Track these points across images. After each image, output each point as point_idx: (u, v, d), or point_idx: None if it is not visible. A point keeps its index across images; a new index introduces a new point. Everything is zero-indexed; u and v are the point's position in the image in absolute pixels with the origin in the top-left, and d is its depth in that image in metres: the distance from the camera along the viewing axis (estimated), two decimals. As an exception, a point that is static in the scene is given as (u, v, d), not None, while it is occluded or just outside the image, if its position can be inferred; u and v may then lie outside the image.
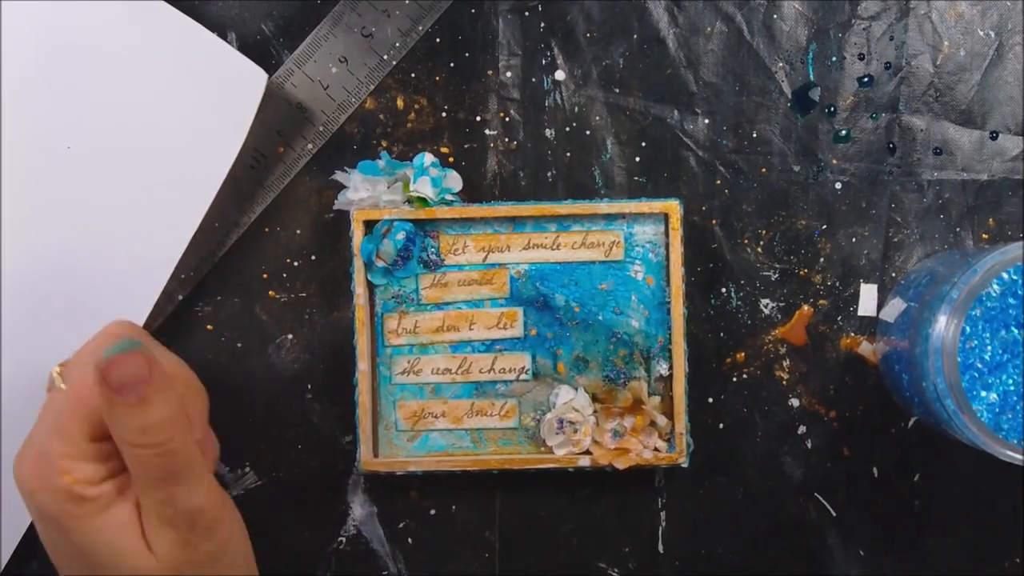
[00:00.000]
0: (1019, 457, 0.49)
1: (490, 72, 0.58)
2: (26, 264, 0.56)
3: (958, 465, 0.58)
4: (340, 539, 0.59)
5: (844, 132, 0.58)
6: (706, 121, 0.58)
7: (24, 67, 0.55)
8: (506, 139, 0.58)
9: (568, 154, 0.58)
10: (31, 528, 0.57)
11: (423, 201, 0.56)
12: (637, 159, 0.58)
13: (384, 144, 0.58)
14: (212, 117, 0.56)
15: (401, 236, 0.56)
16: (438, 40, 0.58)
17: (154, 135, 0.56)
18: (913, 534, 0.59)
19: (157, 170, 0.56)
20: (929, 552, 0.59)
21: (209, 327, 0.59)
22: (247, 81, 0.56)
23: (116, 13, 0.55)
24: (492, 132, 0.59)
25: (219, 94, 0.56)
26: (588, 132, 0.58)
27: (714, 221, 0.58)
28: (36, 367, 0.56)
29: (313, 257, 0.59)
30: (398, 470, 0.57)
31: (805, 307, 0.58)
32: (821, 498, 0.59)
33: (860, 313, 0.58)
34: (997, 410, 0.50)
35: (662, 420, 0.56)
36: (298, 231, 0.59)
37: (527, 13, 0.58)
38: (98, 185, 0.56)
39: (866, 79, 0.58)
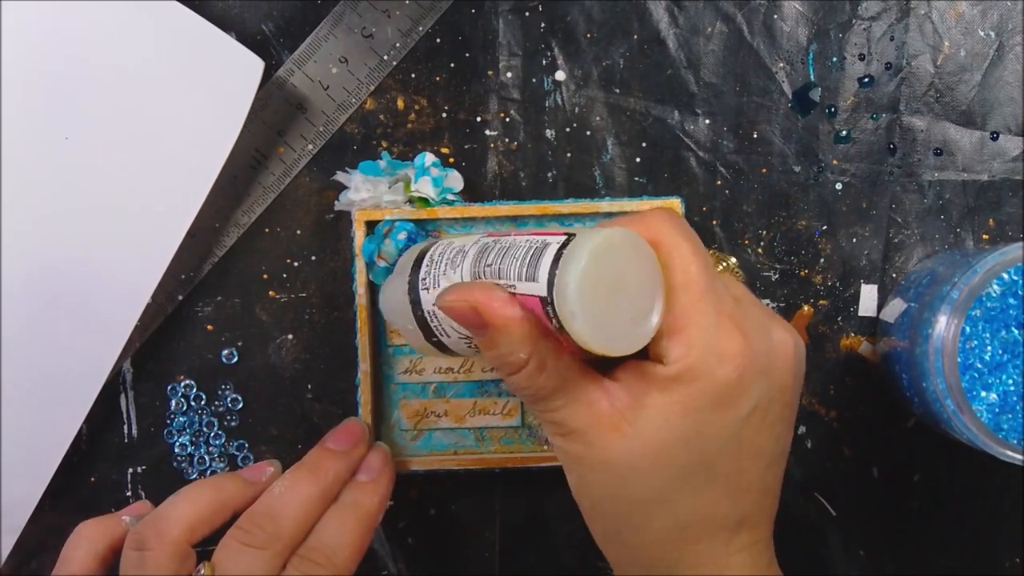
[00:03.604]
0: (1019, 457, 0.50)
1: (490, 72, 0.58)
2: (22, 254, 0.56)
3: (958, 465, 0.58)
4: (340, 539, 0.59)
5: (845, 132, 0.58)
6: (707, 121, 0.58)
7: (20, 57, 0.55)
8: (506, 139, 0.58)
9: (569, 155, 0.58)
10: (29, 527, 0.57)
11: (424, 201, 0.56)
12: (638, 160, 0.58)
13: (384, 145, 0.58)
14: (209, 105, 0.56)
15: (403, 236, 0.56)
16: (438, 40, 0.58)
17: (151, 123, 0.56)
18: (913, 534, 0.59)
19: (155, 158, 0.56)
20: (929, 552, 0.59)
21: (209, 327, 0.59)
22: (244, 69, 0.56)
23: (113, 4, 0.55)
24: (492, 133, 0.59)
25: (216, 82, 0.56)
26: (589, 133, 0.58)
27: (715, 221, 0.58)
28: (30, 360, 0.56)
29: (313, 257, 0.59)
30: (401, 469, 0.57)
31: (806, 307, 0.58)
32: (821, 498, 0.59)
33: (860, 313, 0.58)
34: (997, 410, 0.51)
35: (665, 419, 0.56)
36: (298, 231, 0.59)
37: (527, 13, 0.58)
38: (96, 173, 0.56)
39: (867, 79, 0.58)
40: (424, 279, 0.47)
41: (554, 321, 0.42)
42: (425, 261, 0.48)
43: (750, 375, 0.43)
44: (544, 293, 0.42)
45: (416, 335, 0.49)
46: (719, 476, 0.44)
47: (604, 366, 0.45)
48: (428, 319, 0.48)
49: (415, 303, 0.48)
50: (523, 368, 0.43)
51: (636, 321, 0.42)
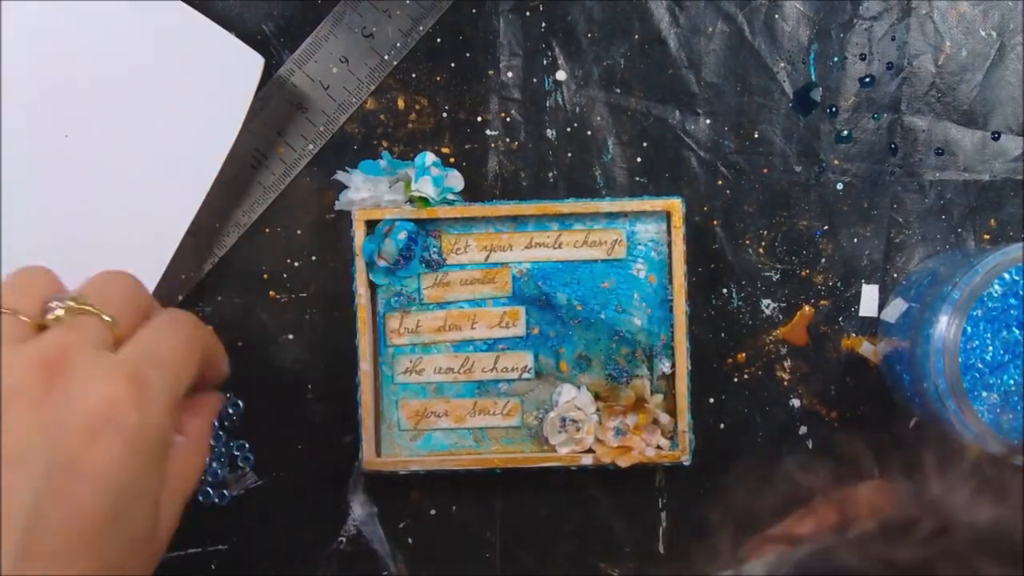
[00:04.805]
0: (1019, 457, 0.49)
1: (491, 72, 0.58)
2: (21, 253, 0.56)
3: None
4: (340, 539, 0.59)
5: (846, 132, 0.58)
6: (707, 121, 0.58)
7: (19, 55, 0.55)
8: (507, 139, 0.58)
9: (569, 154, 0.58)
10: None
11: (425, 201, 0.56)
12: (638, 159, 0.58)
13: (385, 144, 0.58)
14: (209, 103, 0.56)
15: (403, 236, 0.56)
16: (439, 40, 0.58)
17: (151, 121, 0.56)
18: (914, 535, 0.59)
19: (154, 157, 0.56)
20: (930, 553, 0.59)
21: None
22: (244, 66, 0.56)
23: (112, 1, 0.55)
24: (493, 132, 0.59)
25: (216, 79, 0.56)
26: (589, 132, 0.58)
27: (715, 222, 0.58)
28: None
29: (314, 257, 0.59)
30: (401, 469, 0.57)
31: (806, 307, 0.58)
32: (822, 498, 0.59)
33: (861, 314, 0.58)
34: (998, 410, 0.51)
35: (665, 418, 0.56)
36: (299, 231, 0.59)
37: (528, 13, 0.58)
38: (96, 172, 0.56)
39: (868, 79, 0.58)
40: None
41: None
42: None
43: None
44: None
45: None
46: None
47: None
48: None
49: None
50: None
51: None
